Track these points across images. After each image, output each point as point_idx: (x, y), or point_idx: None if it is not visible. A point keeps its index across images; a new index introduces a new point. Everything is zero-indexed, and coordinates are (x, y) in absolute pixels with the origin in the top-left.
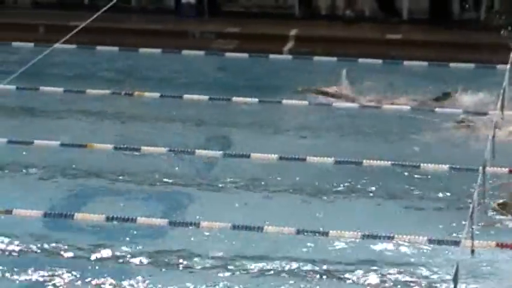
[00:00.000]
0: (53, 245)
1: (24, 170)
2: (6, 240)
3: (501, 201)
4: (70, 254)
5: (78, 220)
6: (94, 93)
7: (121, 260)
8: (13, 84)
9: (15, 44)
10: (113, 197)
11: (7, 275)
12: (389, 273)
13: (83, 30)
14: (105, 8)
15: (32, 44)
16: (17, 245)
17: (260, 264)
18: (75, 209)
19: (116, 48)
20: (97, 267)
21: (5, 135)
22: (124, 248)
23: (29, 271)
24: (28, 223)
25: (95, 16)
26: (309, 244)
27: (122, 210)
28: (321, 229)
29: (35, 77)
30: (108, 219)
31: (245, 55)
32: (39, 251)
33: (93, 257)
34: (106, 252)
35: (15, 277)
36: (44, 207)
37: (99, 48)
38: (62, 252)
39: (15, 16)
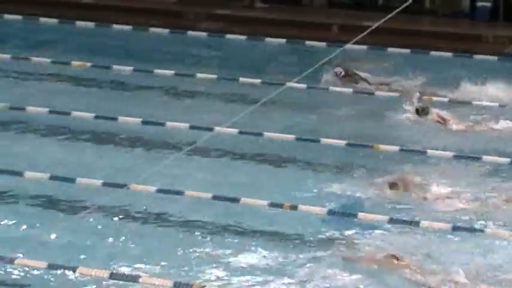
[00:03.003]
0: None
1: (307, 167)
2: (286, 234)
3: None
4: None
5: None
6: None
7: None
8: (303, 83)
9: (308, 42)
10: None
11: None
12: None
13: (375, 30)
14: (398, 10)
15: (324, 44)
16: (297, 240)
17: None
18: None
19: (407, 51)
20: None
21: (290, 131)
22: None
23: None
24: (311, 219)
25: (387, 17)
26: None
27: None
28: None
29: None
30: (391, 220)
31: None
32: (315, 247)
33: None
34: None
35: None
36: (328, 205)
37: (390, 49)
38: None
39: (311, 15)
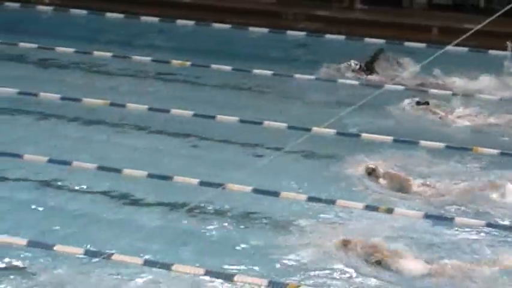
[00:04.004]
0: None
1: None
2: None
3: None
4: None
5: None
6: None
7: None
8: (401, 85)
9: (408, 44)
10: None
11: None
12: None
13: (476, 33)
14: (500, 12)
15: (424, 45)
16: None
17: None
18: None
19: (508, 54)
20: None
21: (388, 132)
22: None
23: None
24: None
25: (488, 20)
26: None
27: None
28: None
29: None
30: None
31: None
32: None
33: None
34: None
35: None
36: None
37: (491, 52)
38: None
39: (411, 16)
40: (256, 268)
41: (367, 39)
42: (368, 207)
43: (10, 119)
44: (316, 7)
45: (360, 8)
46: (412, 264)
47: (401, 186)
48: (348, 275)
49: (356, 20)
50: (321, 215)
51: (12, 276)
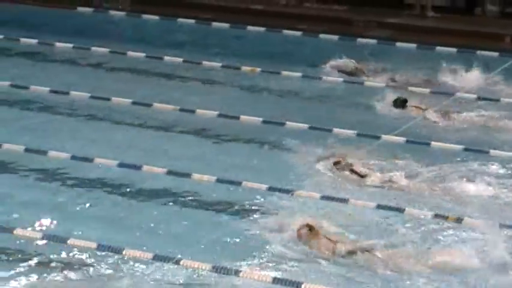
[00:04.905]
0: None
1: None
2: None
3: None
4: None
5: None
6: None
7: None
8: (473, 94)
9: (480, 52)
10: None
11: None
12: None
13: None
14: None
15: (496, 54)
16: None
17: None
18: None
19: None
20: None
21: (460, 141)
22: None
23: None
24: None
25: None
26: None
27: None
28: None
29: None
30: None
31: None
32: None
33: None
34: None
35: None
36: None
37: None
38: None
39: (483, 25)
40: (324, 276)
41: (439, 48)
42: (437, 216)
43: (82, 123)
44: (387, 15)
45: (431, 15)
46: None
47: None
48: None
49: (427, 28)
50: (386, 222)
51: (82, 279)
